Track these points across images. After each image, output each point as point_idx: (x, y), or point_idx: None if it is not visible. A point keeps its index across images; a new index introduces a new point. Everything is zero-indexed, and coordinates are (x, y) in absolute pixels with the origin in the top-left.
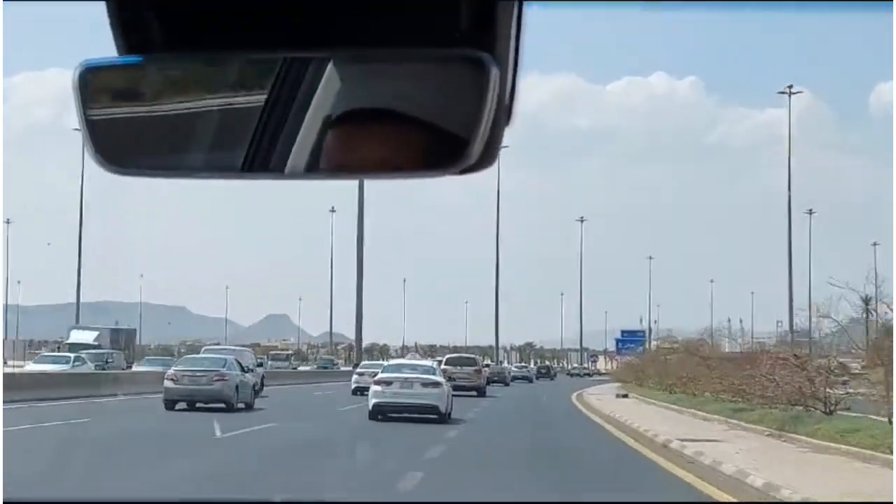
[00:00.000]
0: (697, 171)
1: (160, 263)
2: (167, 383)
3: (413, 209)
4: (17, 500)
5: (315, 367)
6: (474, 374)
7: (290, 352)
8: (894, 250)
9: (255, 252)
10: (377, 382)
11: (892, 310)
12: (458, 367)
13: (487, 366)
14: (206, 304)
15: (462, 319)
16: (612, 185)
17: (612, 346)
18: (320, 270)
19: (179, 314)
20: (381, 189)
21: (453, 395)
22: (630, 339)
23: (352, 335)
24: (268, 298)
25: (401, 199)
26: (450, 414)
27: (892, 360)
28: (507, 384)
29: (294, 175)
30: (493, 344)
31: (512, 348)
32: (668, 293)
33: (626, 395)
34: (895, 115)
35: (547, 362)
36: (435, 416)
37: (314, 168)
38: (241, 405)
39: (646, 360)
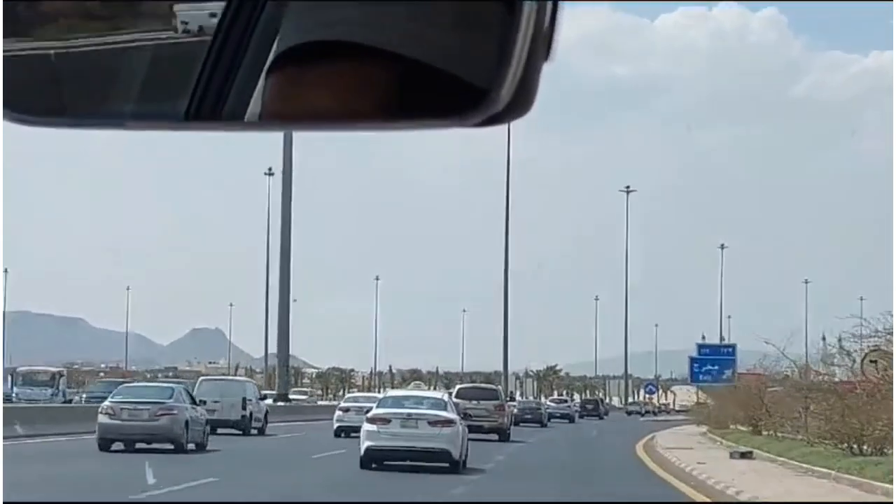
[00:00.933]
0: (776, 133)
1: (48, 263)
2: (102, 418)
3: (392, 178)
4: (17, 500)
5: (83, 395)
6: (495, 411)
7: (59, 370)
8: (894, 254)
9: (176, 246)
10: (371, 420)
11: None
12: (475, 402)
13: (513, 399)
14: (110, 314)
15: (457, 335)
16: (660, 154)
17: (669, 372)
18: (262, 269)
19: (73, 328)
20: (344, 150)
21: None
22: (712, 360)
23: (305, 356)
24: (194, 309)
25: (374, 163)
26: (465, 462)
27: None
28: (543, 424)
29: (255, 124)
30: (502, 367)
31: (528, 375)
32: (735, 299)
33: (747, 455)
34: (895, 112)
35: (594, 395)
36: (446, 464)
37: (283, 115)
38: (191, 446)
39: (743, 394)
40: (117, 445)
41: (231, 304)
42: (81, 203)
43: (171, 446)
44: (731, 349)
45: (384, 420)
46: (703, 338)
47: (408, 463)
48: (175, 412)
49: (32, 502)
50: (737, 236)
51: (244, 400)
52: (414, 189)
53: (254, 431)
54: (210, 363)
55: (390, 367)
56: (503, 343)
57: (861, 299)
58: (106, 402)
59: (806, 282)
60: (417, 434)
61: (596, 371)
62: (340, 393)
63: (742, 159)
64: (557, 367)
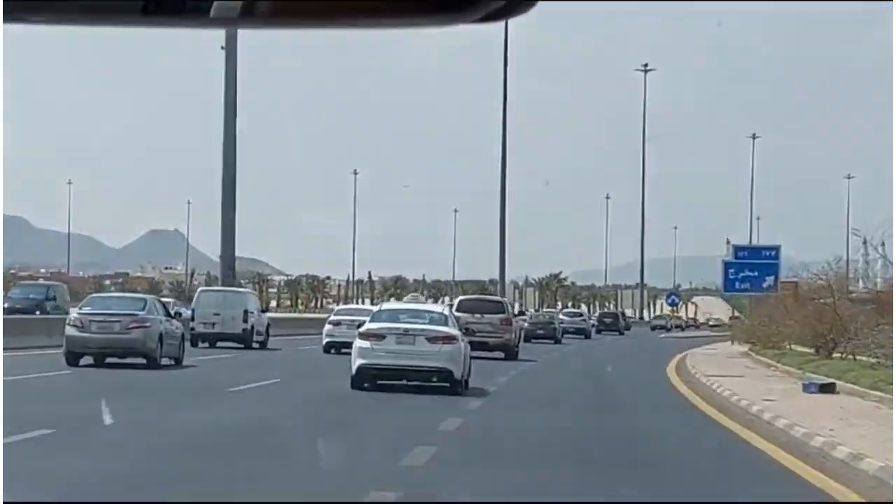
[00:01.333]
0: (817, 8)
1: None
2: (69, 330)
3: (375, 58)
4: (17, 500)
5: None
6: (501, 326)
7: None
8: (894, 226)
9: (131, 141)
10: (364, 336)
11: None
12: (478, 316)
13: (522, 313)
14: (56, 214)
15: (446, 240)
16: (684, 31)
17: (689, 282)
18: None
19: (13, 228)
20: (332, 45)
21: (471, 356)
22: (751, 265)
23: (278, 262)
24: (150, 208)
25: (361, 55)
26: (467, 382)
27: (892, 325)
28: (557, 341)
29: (224, 20)
30: (499, 275)
31: (528, 284)
32: (765, 199)
33: (829, 388)
34: (895, 109)
35: (605, 307)
36: (446, 384)
37: (255, 11)
38: (166, 360)
39: (805, 306)
40: (86, 360)
41: (189, 202)
42: (27, 97)
43: (144, 361)
44: (773, 251)
45: (378, 336)
46: (728, 242)
47: (404, 382)
48: (148, 325)
49: (32, 502)
50: (769, 127)
51: (245, 312)
52: (406, 83)
53: (255, 345)
54: (166, 268)
55: (370, 273)
56: (500, 246)
57: (850, 177)
58: (73, 314)
59: (849, 177)
60: (415, 351)
61: (606, 280)
62: (312, 304)
63: (777, 39)
64: (562, 276)
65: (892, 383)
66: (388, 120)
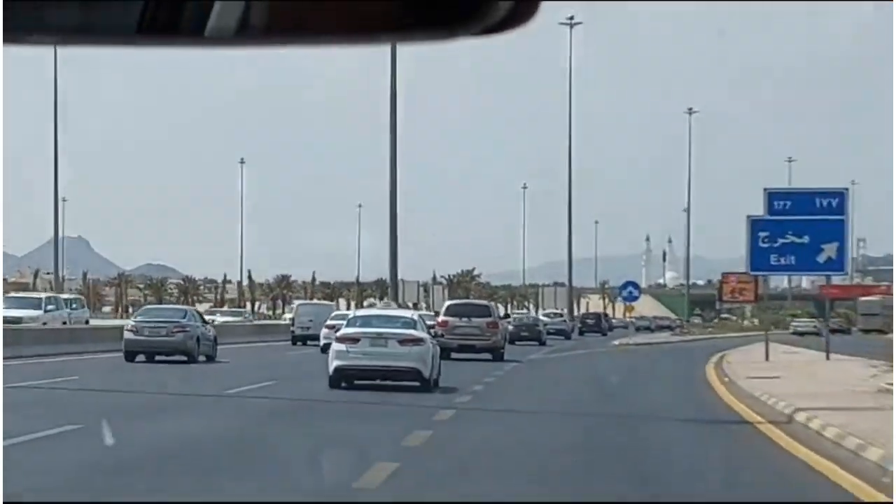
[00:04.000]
0: None
1: None
2: (127, 335)
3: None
4: (17, 500)
5: None
6: (488, 329)
7: None
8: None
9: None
10: (340, 339)
11: None
12: (465, 319)
13: (508, 316)
14: None
15: (343, 238)
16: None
17: (608, 280)
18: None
19: None
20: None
21: (459, 358)
22: (799, 222)
23: (180, 267)
24: (52, 213)
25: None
26: (436, 381)
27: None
28: (542, 342)
29: (219, 40)
30: (389, 272)
31: (436, 281)
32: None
33: None
34: (895, 106)
35: (597, 310)
36: (416, 383)
37: (248, 30)
38: (202, 358)
39: None
40: (139, 357)
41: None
42: None
43: (185, 358)
44: (836, 199)
45: (353, 339)
46: (648, 239)
47: (377, 382)
48: (188, 330)
49: (33, 502)
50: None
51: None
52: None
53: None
54: (47, 273)
55: (249, 273)
56: (390, 241)
57: (853, 183)
58: (130, 322)
59: (790, 160)
60: (387, 353)
61: (524, 280)
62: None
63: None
64: (476, 273)
65: None
66: (278, 116)
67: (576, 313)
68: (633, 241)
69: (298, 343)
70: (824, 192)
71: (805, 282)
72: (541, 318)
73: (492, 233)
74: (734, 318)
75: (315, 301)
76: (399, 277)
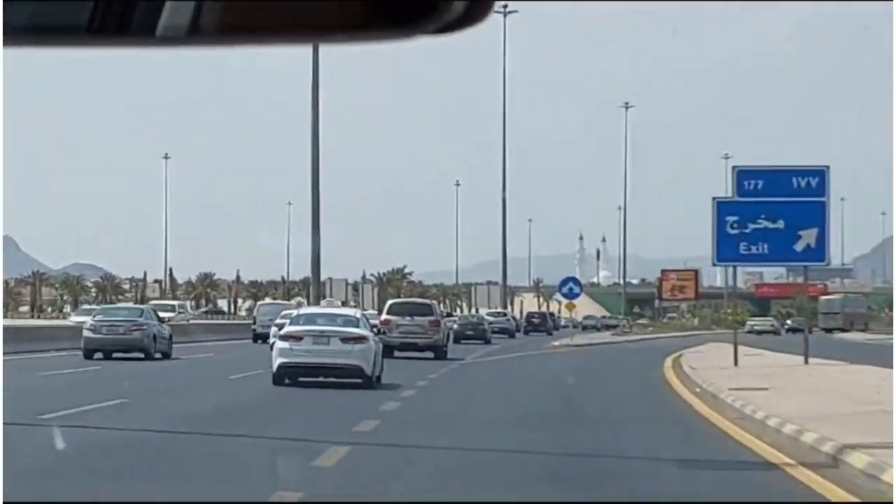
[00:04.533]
0: None
1: None
2: (87, 333)
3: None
4: (17, 500)
5: None
6: (430, 327)
7: None
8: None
9: None
10: (284, 337)
11: None
12: (408, 318)
13: (450, 314)
14: None
15: (279, 234)
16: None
17: (541, 279)
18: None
19: None
20: None
21: (402, 357)
22: (772, 205)
23: (109, 266)
24: None
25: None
26: (379, 377)
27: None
28: (487, 341)
29: (171, 39)
30: (311, 268)
31: (366, 280)
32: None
33: None
34: (894, 105)
35: (542, 310)
36: (359, 380)
37: (200, 30)
38: (158, 355)
39: None
40: (97, 354)
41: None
42: None
43: (142, 355)
44: (817, 177)
45: (296, 337)
46: (582, 238)
47: (321, 379)
48: (145, 328)
49: (33, 502)
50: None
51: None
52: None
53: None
54: None
55: (170, 271)
56: (312, 239)
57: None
58: (89, 320)
59: (726, 157)
60: (329, 350)
61: (457, 279)
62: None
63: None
64: (407, 271)
65: None
66: (208, 113)
67: (510, 312)
68: (568, 241)
69: (259, 341)
70: (802, 170)
71: (739, 280)
72: (486, 317)
73: (425, 232)
74: (685, 317)
75: (277, 301)
76: (328, 276)
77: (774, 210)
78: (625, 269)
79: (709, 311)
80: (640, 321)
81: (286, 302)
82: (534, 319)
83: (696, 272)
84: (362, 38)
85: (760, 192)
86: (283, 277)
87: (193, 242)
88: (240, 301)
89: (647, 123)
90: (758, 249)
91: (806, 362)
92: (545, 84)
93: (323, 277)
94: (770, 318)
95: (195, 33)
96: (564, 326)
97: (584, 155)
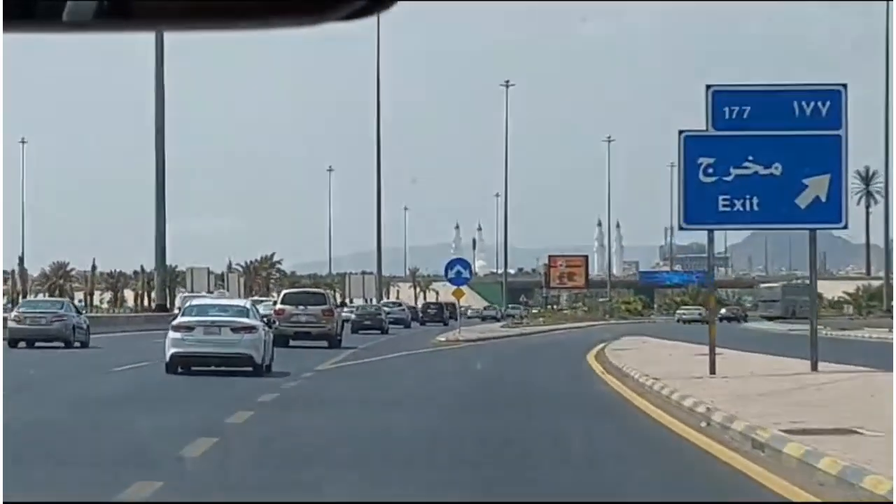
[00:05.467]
0: None
1: None
2: (11, 324)
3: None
4: (17, 500)
5: None
6: (324, 317)
7: None
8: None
9: None
10: (176, 328)
11: None
12: (301, 308)
13: (344, 304)
14: None
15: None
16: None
17: (417, 269)
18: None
19: None
20: None
21: (296, 345)
22: (763, 141)
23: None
24: None
25: None
26: (269, 366)
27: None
28: (385, 331)
29: (78, 24)
30: (155, 259)
31: (232, 269)
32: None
33: None
34: (893, 104)
35: (440, 300)
36: (249, 369)
37: (107, 16)
38: (77, 344)
39: None
40: (21, 344)
41: None
42: None
43: (63, 344)
44: (829, 99)
45: (188, 328)
46: (458, 227)
47: (213, 368)
48: (65, 319)
49: (33, 502)
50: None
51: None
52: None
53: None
54: None
55: (21, 260)
56: (156, 227)
57: (672, 166)
58: (14, 312)
59: (609, 140)
60: (220, 340)
61: (331, 269)
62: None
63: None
64: (276, 259)
65: None
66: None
67: (404, 303)
68: (443, 230)
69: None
70: (807, 90)
71: (615, 267)
72: (383, 307)
73: (299, 221)
74: (574, 307)
75: (202, 294)
76: (190, 266)
77: (768, 148)
78: (506, 257)
79: (600, 300)
80: (532, 311)
81: (211, 296)
82: (430, 310)
83: (586, 258)
84: (273, 23)
85: (748, 124)
86: (142, 267)
87: (49, 231)
88: (97, 294)
89: (528, 105)
90: (744, 206)
91: (815, 369)
92: (426, 66)
93: (184, 266)
94: (699, 308)
95: (101, 19)
96: (471, 318)
97: (462, 140)
